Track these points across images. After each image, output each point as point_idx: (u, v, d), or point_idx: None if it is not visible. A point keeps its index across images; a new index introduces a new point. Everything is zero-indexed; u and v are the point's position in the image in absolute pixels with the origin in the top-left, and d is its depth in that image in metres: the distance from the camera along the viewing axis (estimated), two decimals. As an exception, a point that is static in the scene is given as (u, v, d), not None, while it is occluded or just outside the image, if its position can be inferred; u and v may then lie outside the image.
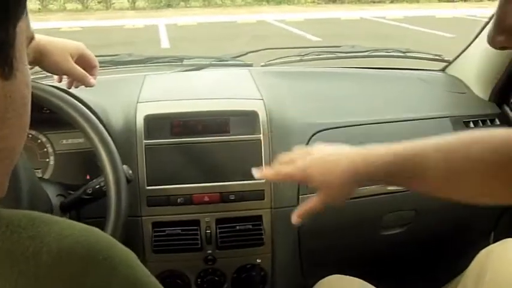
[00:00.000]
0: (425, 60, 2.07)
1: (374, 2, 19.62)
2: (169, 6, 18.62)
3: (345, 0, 19.94)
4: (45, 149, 1.52)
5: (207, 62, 2.00)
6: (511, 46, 0.61)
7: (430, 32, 11.35)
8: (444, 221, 1.76)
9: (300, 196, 1.54)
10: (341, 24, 13.62)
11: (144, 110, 1.52)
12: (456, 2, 18.94)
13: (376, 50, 2.08)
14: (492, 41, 0.62)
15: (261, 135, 1.51)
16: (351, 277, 1.32)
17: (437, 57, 2.03)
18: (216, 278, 1.54)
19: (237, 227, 1.50)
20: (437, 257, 1.90)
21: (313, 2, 20.07)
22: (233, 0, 19.67)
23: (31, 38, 0.56)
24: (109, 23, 14.15)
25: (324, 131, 1.61)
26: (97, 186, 1.29)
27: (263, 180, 1.49)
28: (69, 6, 17.65)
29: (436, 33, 11.16)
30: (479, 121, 1.77)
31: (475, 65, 1.87)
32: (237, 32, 12.06)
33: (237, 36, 11.08)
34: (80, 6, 17.96)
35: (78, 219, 1.41)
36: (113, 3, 18.81)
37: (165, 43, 10.67)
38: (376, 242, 1.73)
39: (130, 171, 1.30)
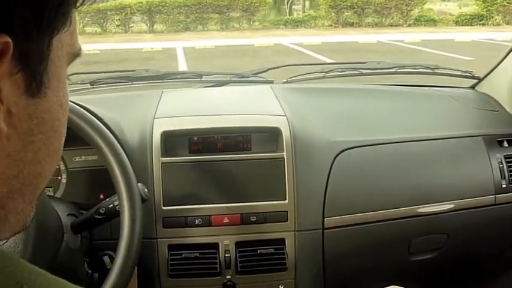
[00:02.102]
0: (453, 77, 1.98)
1: (392, 26, 19.63)
2: (187, 29, 18.80)
3: (362, 24, 19.97)
4: (57, 166, 1.45)
5: (227, 79, 1.94)
6: None
7: (448, 56, 11.27)
8: (484, 241, 1.67)
9: (325, 218, 1.46)
10: (358, 48, 13.59)
11: (161, 126, 1.45)
12: (474, 26, 18.88)
13: (403, 67, 2.00)
14: None
15: (284, 153, 1.43)
16: None
17: (467, 74, 1.95)
18: (236, 305, 1.45)
19: (258, 251, 1.42)
20: (472, 279, 1.80)
21: (331, 25, 20.12)
22: (250, 23, 19.77)
23: (76, 55, 0.51)
24: (127, 46, 14.30)
25: (350, 150, 1.53)
26: (110, 206, 1.22)
27: (286, 201, 1.42)
28: (88, 29, 17.89)
29: (454, 56, 11.07)
30: (515, 140, 1.69)
31: (507, 82, 1.79)
32: (254, 55, 12.10)
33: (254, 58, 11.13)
34: (98, 29, 18.21)
35: (90, 241, 1.34)
36: (132, 27, 19.06)
37: (182, 66, 10.72)
38: (404, 267, 1.64)
39: (146, 190, 1.22)
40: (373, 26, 19.82)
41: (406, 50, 13.05)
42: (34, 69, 0.45)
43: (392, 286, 1.25)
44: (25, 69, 0.44)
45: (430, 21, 20.09)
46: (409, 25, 19.86)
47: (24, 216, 0.52)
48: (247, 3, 19.26)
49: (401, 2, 19.88)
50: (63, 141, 0.52)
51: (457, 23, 19.85)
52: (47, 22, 0.44)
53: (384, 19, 20.25)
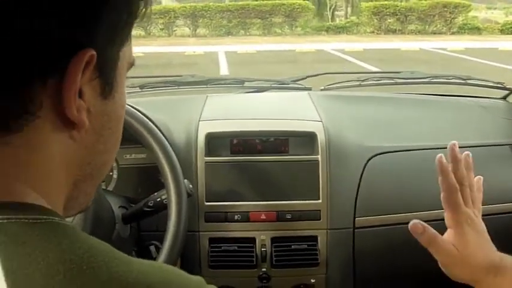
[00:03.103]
0: (486, 88, 2.04)
1: (435, 34, 19.45)
2: (229, 34, 18.99)
3: (405, 31, 19.84)
4: None
5: (268, 85, 2.05)
6: None
7: (491, 64, 11.14)
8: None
9: (356, 218, 1.54)
10: (400, 55, 13.53)
11: (205, 128, 1.56)
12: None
13: (436, 77, 2.08)
14: None
15: (319, 156, 1.53)
16: None
17: (499, 85, 2.01)
18: (270, 297, 1.55)
19: (292, 246, 1.51)
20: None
21: (373, 32, 20.05)
22: (292, 29, 19.84)
23: (131, 65, 0.61)
24: (170, 49, 14.53)
25: (382, 155, 1.61)
26: (158, 199, 1.33)
27: (320, 201, 1.51)
28: (132, 32, 18.14)
29: (497, 65, 10.94)
30: (542, 151, 1.74)
31: (538, 93, 1.85)
32: (295, 60, 12.15)
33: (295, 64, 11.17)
34: (142, 33, 18.50)
35: (139, 231, 1.46)
36: (175, 30, 19.34)
37: (224, 70, 10.85)
38: (434, 268, 1.70)
39: (191, 186, 1.34)
40: (416, 34, 19.68)
41: (449, 59, 12.93)
42: (107, 77, 0.54)
43: None
44: (101, 76, 0.53)
45: (474, 29, 19.83)
46: (453, 33, 19.65)
47: (89, 197, 0.63)
48: (289, 9, 19.37)
49: (445, 9, 19.71)
50: (121, 136, 0.62)
51: (502, 31, 19.54)
52: (120, 37, 0.55)
53: (427, 26, 20.10)
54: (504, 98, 2.01)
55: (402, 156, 1.64)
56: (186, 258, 1.47)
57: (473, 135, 1.76)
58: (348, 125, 1.69)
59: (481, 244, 0.99)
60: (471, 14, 20.88)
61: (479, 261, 0.97)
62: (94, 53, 0.50)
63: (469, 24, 20.11)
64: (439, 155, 1.02)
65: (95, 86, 0.53)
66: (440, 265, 1.01)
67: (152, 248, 1.43)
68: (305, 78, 2.06)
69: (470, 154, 1.11)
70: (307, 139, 1.56)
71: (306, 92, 1.93)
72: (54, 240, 0.47)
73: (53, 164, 0.53)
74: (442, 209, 1.58)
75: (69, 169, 0.55)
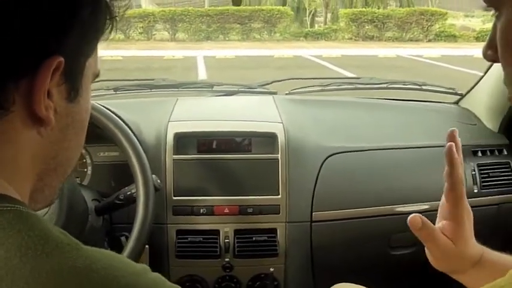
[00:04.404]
0: (439, 93, 2.19)
1: (412, 41, 19.71)
2: (208, 39, 19.05)
3: (382, 38, 20.08)
4: (84, 160, 1.69)
5: (236, 89, 2.17)
6: (498, 60, 0.69)
7: (465, 71, 11.35)
8: None
9: (313, 213, 1.67)
10: (377, 62, 13.73)
11: (174, 128, 1.68)
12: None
13: (394, 82, 2.22)
14: (484, 55, 0.72)
15: (279, 155, 1.66)
16: (359, 285, 1.42)
17: (450, 91, 2.15)
18: (233, 285, 1.66)
19: (254, 238, 1.64)
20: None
21: (351, 38, 20.27)
22: (271, 34, 19.98)
23: (96, 75, 0.68)
24: (149, 53, 14.57)
25: (338, 154, 1.74)
26: (128, 193, 1.45)
27: (279, 196, 1.64)
28: (111, 35, 18.07)
29: (470, 72, 11.14)
30: (488, 151, 1.88)
31: (485, 98, 1.99)
32: (272, 66, 12.26)
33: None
34: (121, 36, 18.47)
35: (111, 223, 1.57)
36: (154, 34, 19.34)
37: (202, 74, 10.93)
38: (385, 260, 1.83)
39: (159, 181, 1.46)
40: (393, 40, 19.93)
41: (425, 65, 13.15)
42: (74, 83, 0.61)
43: (343, 283, 1.40)
44: (68, 82, 0.60)
45: (451, 37, 20.13)
46: (429, 40, 19.92)
47: (53, 191, 0.68)
48: (268, 15, 19.49)
49: (422, 17, 19.97)
50: (84, 137, 0.69)
51: (477, 39, 19.83)
52: (86, 48, 0.63)
53: (404, 34, 20.34)
54: (456, 102, 2.16)
55: (357, 156, 1.77)
56: (155, 248, 1.58)
57: (424, 136, 1.89)
58: (307, 126, 1.82)
59: (472, 237, 0.98)
60: (449, 21, 21.15)
61: (470, 255, 0.97)
62: (62, 59, 0.57)
63: (446, 31, 20.37)
64: (450, 143, 0.95)
65: (62, 90, 0.60)
66: (428, 256, 1.00)
67: (123, 238, 1.53)
68: (271, 83, 2.18)
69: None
70: (269, 139, 1.68)
71: (271, 96, 2.06)
72: (16, 226, 0.52)
73: (22, 156, 0.59)
74: (392, 205, 1.73)
75: (35, 162, 0.61)
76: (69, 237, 0.54)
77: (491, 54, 0.71)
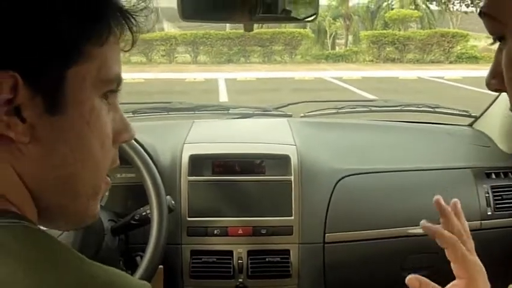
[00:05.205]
0: (453, 116, 2.20)
1: (433, 62, 19.66)
2: (229, 61, 19.18)
3: (403, 60, 20.06)
4: None
5: (251, 112, 2.21)
6: (504, 89, 0.70)
7: (488, 93, 11.27)
8: None
9: (326, 234, 1.69)
10: (398, 83, 13.71)
11: (189, 150, 1.72)
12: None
13: (408, 105, 2.24)
14: (487, 84, 0.72)
15: (292, 176, 1.68)
16: None
17: (464, 113, 2.16)
18: (246, 305, 1.69)
19: (267, 259, 1.65)
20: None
21: (372, 60, 20.28)
22: (292, 57, 20.08)
23: (108, 82, 0.63)
24: (171, 76, 14.72)
25: (351, 176, 1.76)
26: (143, 214, 1.48)
27: (292, 217, 1.66)
28: (133, 58, 18.32)
29: (494, 94, 11.07)
30: (501, 173, 1.88)
31: (498, 120, 2.00)
32: (294, 88, 12.31)
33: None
34: (144, 59, 18.69)
35: (126, 244, 1.60)
36: (176, 57, 19.53)
37: (223, 97, 11.01)
38: (398, 282, 1.83)
39: (173, 202, 1.50)
40: (414, 62, 19.89)
41: (446, 87, 13.10)
42: (50, 95, 0.57)
43: None
44: (42, 95, 0.57)
45: (472, 58, 20.03)
46: (451, 62, 19.85)
47: (73, 211, 0.65)
48: (289, 37, 19.58)
49: (443, 39, 19.93)
50: (97, 151, 0.63)
51: (499, 60, 19.69)
52: (60, 59, 0.57)
53: (425, 55, 20.31)
54: (470, 125, 2.16)
55: (370, 177, 1.79)
56: (170, 268, 1.61)
57: (437, 159, 1.90)
58: (321, 148, 1.84)
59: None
60: (471, 43, 21.05)
61: None
62: (15, 74, 0.55)
63: (467, 53, 20.29)
64: (437, 197, 1.01)
65: (37, 103, 0.57)
66: None
67: (138, 258, 1.56)
68: (286, 105, 2.22)
69: (459, 202, 1.07)
70: (282, 161, 1.71)
71: (285, 119, 2.09)
72: (21, 241, 0.53)
73: (11, 175, 0.59)
74: (404, 227, 1.74)
75: (25, 180, 0.59)
76: (73, 252, 0.56)
77: (496, 83, 0.71)
